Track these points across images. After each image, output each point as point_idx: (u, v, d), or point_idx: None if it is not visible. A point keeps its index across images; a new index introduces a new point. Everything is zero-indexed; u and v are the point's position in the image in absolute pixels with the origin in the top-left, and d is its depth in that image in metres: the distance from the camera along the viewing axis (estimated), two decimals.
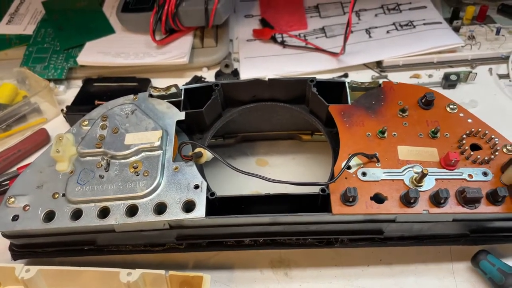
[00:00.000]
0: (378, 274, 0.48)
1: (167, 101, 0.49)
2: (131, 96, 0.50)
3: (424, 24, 0.76)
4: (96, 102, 0.67)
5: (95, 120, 0.47)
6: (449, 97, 0.66)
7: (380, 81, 0.49)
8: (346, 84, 0.49)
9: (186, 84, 0.72)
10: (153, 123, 0.46)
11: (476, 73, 0.68)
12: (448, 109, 0.47)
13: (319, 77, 0.71)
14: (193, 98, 0.51)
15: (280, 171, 0.60)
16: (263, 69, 0.74)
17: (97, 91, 0.71)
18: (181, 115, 0.48)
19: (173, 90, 0.49)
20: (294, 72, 0.72)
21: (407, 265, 0.48)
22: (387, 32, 0.76)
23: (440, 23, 0.76)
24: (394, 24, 0.78)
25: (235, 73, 0.74)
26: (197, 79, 0.73)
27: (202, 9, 0.71)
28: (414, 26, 0.76)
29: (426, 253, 0.49)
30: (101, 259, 0.50)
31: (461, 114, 0.47)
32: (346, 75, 0.72)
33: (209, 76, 0.75)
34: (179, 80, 0.73)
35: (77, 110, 0.65)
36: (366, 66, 0.73)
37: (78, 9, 0.83)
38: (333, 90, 0.51)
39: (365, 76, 0.72)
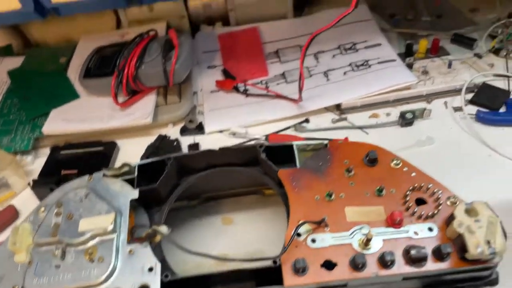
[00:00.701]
0: None
1: (121, 180, 0.50)
2: (86, 177, 0.51)
3: (379, 62, 0.78)
4: (63, 172, 0.68)
5: (50, 207, 0.48)
6: (407, 135, 0.69)
7: (325, 141, 0.50)
8: (294, 146, 0.51)
9: (151, 144, 0.74)
10: (106, 206, 0.47)
11: (431, 110, 0.70)
12: (392, 164, 0.49)
13: (282, 124, 0.74)
14: (148, 171, 0.53)
15: (245, 228, 0.60)
16: (227, 120, 0.75)
17: (65, 158, 0.73)
18: (135, 194, 0.49)
19: (126, 168, 0.50)
20: (257, 121, 0.74)
21: None
22: (344, 73, 0.78)
23: (394, 60, 0.78)
24: (350, 64, 0.80)
25: (200, 127, 0.75)
26: (161, 138, 0.74)
27: (161, 71, 0.73)
28: (370, 66, 0.78)
29: None
30: None
31: (405, 169, 0.48)
32: (307, 121, 0.74)
33: (175, 132, 0.76)
34: (145, 139, 0.75)
35: (43, 183, 0.66)
36: (326, 109, 0.75)
37: (43, 75, 0.85)
38: (284, 152, 0.52)
39: (325, 119, 0.74)
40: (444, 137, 0.68)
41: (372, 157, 0.47)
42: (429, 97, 0.74)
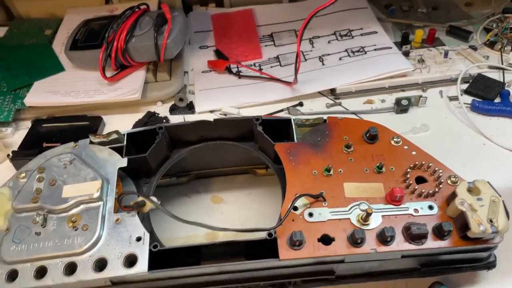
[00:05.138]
0: None
1: (109, 147, 0.48)
2: (71, 143, 0.48)
3: (375, 49, 0.77)
4: (44, 144, 0.65)
5: (31, 172, 0.45)
6: (402, 122, 0.68)
7: (325, 116, 0.49)
8: (292, 121, 0.49)
9: (139, 120, 0.71)
10: (93, 173, 0.44)
11: (427, 97, 0.69)
12: (392, 142, 0.47)
13: (275, 106, 0.72)
14: (138, 141, 0.50)
15: (235, 208, 0.58)
16: (218, 101, 0.73)
17: (47, 132, 0.69)
18: (123, 162, 0.46)
19: (114, 136, 0.47)
20: (249, 103, 0.72)
21: None
22: (340, 59, 0.77)
23: (390, 48, 0.77)
24: (346, 50, 0.79)
25: (190, 106, 0.73)
26: (150, 114, 0.72)
27: (152, 45, 0.70)
28: (366, 52, 0.77)
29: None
30: None
31: (405, 147, 0.47)
32: (301, 104, 0.72)
33: (164, 110, 0.73)
34: (133, 116, 0.72)
35: (23, 155, 0.63)
36: (321, 93, 0.74)
37: (27, 47, 0.81)
38: (281, 127, 0.50)
39: (320, 104, 0.72)
40: (439, 125, 0.67)
41: (373, 133, 0.46)
42: (424, 86, 0.73)
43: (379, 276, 0.45)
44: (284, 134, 0.50)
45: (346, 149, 0.47)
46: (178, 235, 0.52)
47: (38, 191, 0.44)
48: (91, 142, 0.48)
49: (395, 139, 0.47)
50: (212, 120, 0.50)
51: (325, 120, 0.49)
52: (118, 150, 0.48)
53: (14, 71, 0.76)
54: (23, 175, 0.46)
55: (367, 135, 0.47)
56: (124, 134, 0.49)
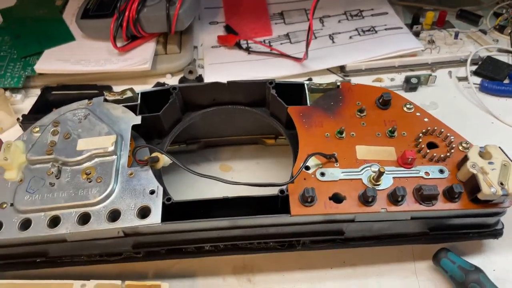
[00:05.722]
0: (341, 276, 0.48)
1: (123, 106, 0.48)
2: (85, 101, 0.49)
3: (386, 29, 0.77)
4: (54, 110, 0.65)
5: (46, 126, 0.46)
6: (411, 99, 0.67)
7: (338, 82, 0.49)
8: (305, 86, 0.49)
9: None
10: (107, 128, 0.45)
11: (436, 76, 0.70)
12: (405, 108, 0.48)
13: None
14: (151, 103, 0.50)
15: (244, 176, 0.59)
16: (227, 75, 0.73)
17: (56, 99, 0.69)
18: (137, 120, 0.47)
19: (129, 94, 0.48)
20: (258, 78, 0.72)
21: (370, 266, 0.48)
22: (350, 37, 0.77)
23: (401, 28, 0.77)
24: (356, 29, 0.79)
25: (200, 79, 0.73)
26: (159, 85, 0.72)
27: (163, 15, 0.70)
28: (376, 32, 0.77)
29: (389, 253, 0.48)
30: (57, 272, 0.47)
31: (417, 114, 0.48)
32: (310, 80, 0.72)
33: (173, 82, 0.73)
34: (142, 87, 0.70)
35: (33, 119, 0.62)
36: (330, 71, 0.74)
37: (37, 17, 0.81)
38: (293, 92, 0.50)
39: (329, 81, 0.72)
40: (447, 104, 0.67)
41: (387, 99, 0.46)
42: (434, 66, 0.73)
43: (387, 239, 0.45)
44: (297, 101, 0.50)
45: (359, 113, 0.47)
46: (189, 196, 0.52)
47: (52, 143, 0.44)
48: (105, 100, 0.49)
49: (407, 106, 0.48)
50: (225, 82, 0.50)
51: (338, 86, 0.49)
52: (132, 109, 0.48)
53: (25, 39, 0.76)
54: (37, 129, 0.46)
55: (380, 100, 0.47)
56: (138, 93, 0.49)
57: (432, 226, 0.44)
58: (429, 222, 0.44)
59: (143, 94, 0.49)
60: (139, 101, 0.49)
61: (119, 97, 0.48)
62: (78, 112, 0.46)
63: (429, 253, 0.47)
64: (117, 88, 0.72)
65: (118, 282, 0.42)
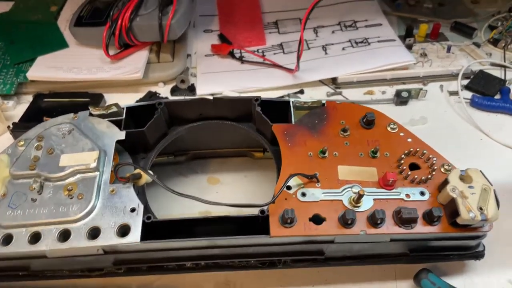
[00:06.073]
0: None
1: (108, 120, 0.48)
2: (71, 115, 0.49)
3: (379, 41, 0.77)
4: (45, 118, 0.65)
5: (30, 140, 0.46)
6: (401, 113, 0.68)
7: (323, 100, 0.49)
8: (290, 103, 0.49)
9: (140, 99, 0.71)
10: (91, 144, 0.45)
11: (427, 90, 0.70)
12: (388, 128, 0.48)
13: (276, 93, 0.72)
14: (137, 117, 0.50)
15: (231, 189, 0.59)
16: (220, 84, 0.73)
17: (48, 106, 0.70)
18: (121, 135, 0.47)
19: (114, 109, 0.48)
20: (251, 88, 0.72)
21: (351, 285, 0.48)
22: (343, 49, 0.77)
23: (394, 40, 0.77)
24: (350, 41, 0.79)
25: (192, 88, 0.73)
26: (151, 94, 0.72)
27: (156, 25, 0.70)
28: (369, 43, 0.77)
29: (371, 272, 0.49)
30: (40, 285, 0.48)
31: (401, 134, 0.48)
32: (302, 91, 0.73)
33: (165, 91, 0.74)
34: (133, 95, 0.72)
35: (24, 127, 0.63)
36: (322, 82, 0.74)
37: (32, 22, 0.81)
38: (279, 108, 0.50)
39: (320, 93, 0.73)
40: (437, 118, 0.67)
41: (370, 119, 0.46)
42: (425, 79, 0.73)
43: (367, 259, 0.45)
44: (282, 117, 0.50)
45: (342, 133, 0.47)
46: (172, 212, 0.53)
47: (36, 158, 0.44)
48: (91, 114, 0.49)
49: (391, 126, 0.48)
50: (211, 98, 0.50)
51: (323, 104, 0.49)
52: (117, 124, 0.48)
53: (19, 45, 0.77)
54: (22, 143, 0.46)
55: (364, 120, 0.48)
56: (123, 108, 0.49)
57: (412, 247, 0.44)
58: (409, 244, 0.44)
59: (129, 108, 0.49)
60: (124, 116, 0.49)
61: (104, 112, 0.48)
62: (62, 127, 0.46)
63: (411, 272, 0.47)
64: (108, 96, 0.72)
65: None
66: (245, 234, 0.42)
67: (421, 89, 0.69)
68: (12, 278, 0.45)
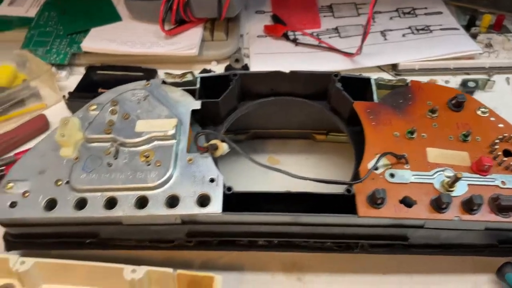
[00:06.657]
0: (395, 282, 0.45)
1: (182, 89, 0.46)
2: (143, 82, 0.47)
3: (441, 29, 0.75)
4: (100, 90, 0.64)
5: (103, 105, 0.44)
6: None
7: (408, 79, 0.47)
8: (372, 81, 0.47)
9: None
10: (167, 111, 0.43)
11: (495, 81, 0.66)
12: (479, 112, 0.45)
13: None
14: (208, 88, 0.48)
15: (293, 170, 0.56)
16: (274, 65, 0.70)
17: (101, 79, 0.68)
18: (197, 104, 0.45)
19: (189, 77, 0.46)
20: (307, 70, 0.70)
21: (427, 275, 0.46)
22: (403, 35, 0.74)
23: (458, 29, 0.74)
24: (410, 27, 0.76)
25: (245, 68, 0.71)
26: (206, 72, 0.70)
27: (215, 0, 0.68)
28: (431, 31, 0.74)
29: (448, 263, 0.46)
30: (101, 254, 0.46)
31: (492, 119, 0.45)
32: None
33: (218, 70, 0.72)
34: None
35: (80, 97, 0.62)
36: (381, 68, 0.71)
37: None
38: (357, 87, 0.48)
39: None
40: (505, 112, 0.64)
41: (460, 100, 0.44)
42: (491, 71, 0.70)
43: (451, 249, 0.43)
44: (359, 96, 0.48)
45: (430, 113, 0.44)
46: (239, 188, 0.51)
47: (111, 123, 0.42)
48: (163, 82, 0.47)
49: (482, 109, 0.45)
50: (287, 71, 0.48)
51: (407, 83, 0.47)
52: (190, 93, 0.46)
53: (71, 15, 0.75)
54: (94, 107, 0.45)
55: (453, 102, 0.45)
56: (197, 78, 0.47)
57: (503, 238, 0.42)
58: (501, 234, 0.41)
59: (202, 78, 0.47)
60: (198, 85, 0.47)
61: (178, 80, 0.46)
62: (137, 92, 0.45)
63: (492, 265, 0.45)
64: (162, 72, 0.70)
65: (170, 270, 0.40)
66: (325, 213, 0.39)
67: (488, 79, 0.66)
68: (79, 246, 0.44)
